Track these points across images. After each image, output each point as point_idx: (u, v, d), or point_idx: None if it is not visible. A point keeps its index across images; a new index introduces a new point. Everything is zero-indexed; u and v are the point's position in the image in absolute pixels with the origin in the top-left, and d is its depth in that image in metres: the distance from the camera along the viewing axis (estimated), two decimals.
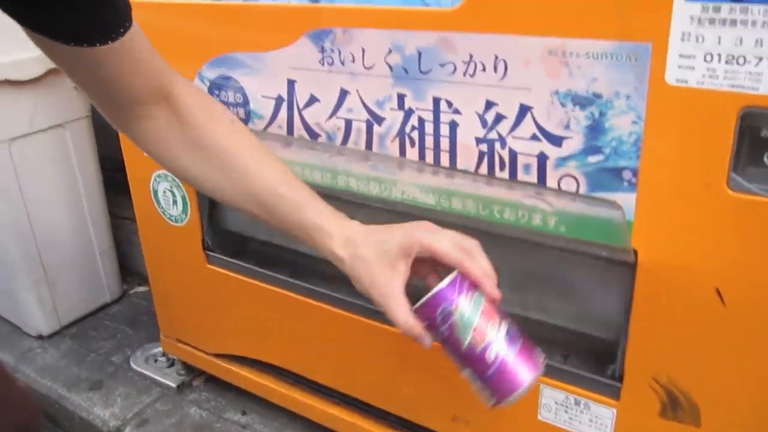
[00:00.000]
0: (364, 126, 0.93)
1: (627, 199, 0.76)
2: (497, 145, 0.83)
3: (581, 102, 0.75)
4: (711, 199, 0.71)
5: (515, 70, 0.78)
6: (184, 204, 1.23)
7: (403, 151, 0.91)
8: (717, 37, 0.66)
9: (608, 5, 0.71)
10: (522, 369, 0.66)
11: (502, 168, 0.84)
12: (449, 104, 0.85)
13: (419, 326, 0.67)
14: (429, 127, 0.87)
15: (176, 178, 1.22)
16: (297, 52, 0.95)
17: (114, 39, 0.60)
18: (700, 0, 0.66)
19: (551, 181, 0.81)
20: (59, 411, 1.44)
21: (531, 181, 0.82)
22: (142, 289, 1.83)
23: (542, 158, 0.80)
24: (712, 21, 0.66)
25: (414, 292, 0.70)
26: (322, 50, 0.92)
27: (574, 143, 0.78)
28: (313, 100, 0.97)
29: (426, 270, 0.71)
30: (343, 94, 0.93)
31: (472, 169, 0.86)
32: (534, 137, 0.80)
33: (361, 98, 0.92)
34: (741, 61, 0.66)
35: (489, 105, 0.82)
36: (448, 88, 0.84)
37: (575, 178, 0.79)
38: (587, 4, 0.72)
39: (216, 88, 1.07)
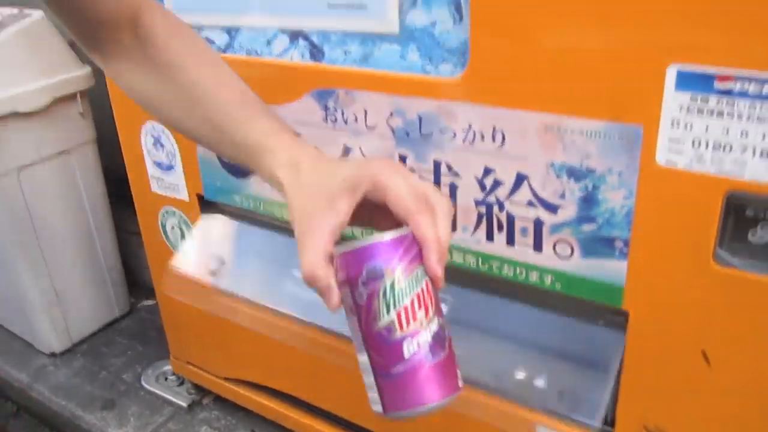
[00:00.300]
0: None
1: (619, 266, 0.79)
2: (495, 208, 0.86)
3: (575, 175, 0.78)
4: (698, 272, 0.74)
5: (512, 141, 0.81)
6: None
7: None
8: (705, 126, 0.69)
9: (602, 87, 0.73)
10: (435, 384, 0.51)
11: (500, 229, 0.87)
12: (449, 168, 0.87)
13: (330, 277, 0.51)
14: None
15: (183, 213, 1.24)
16: (301, 109, 0.97)
17: None
18: (689, 90, 0.68)
19: (547, 245, 0.84)
20: (75, 431, 1.48)
21: (527, 243, 0.85)
22: (149, 302, 1.86)
23: (538, 223, 0.83)
24: (700, 111, 0.68)
25: None
26: (326, 108, 0.95)
27: (568, 212, 0.80)
28: None
29: (392, 225, 0.54)
30: (347, 150, 0.96)
31: (472, 229, 0.89)
32: (530, 203, 0.83)
33: (363, 156, 0.94)
34: (727, 149, 0.68)
35: (487, 171, 0.84)
36: (448, 153, 0.86)
37: (570, 244, 0.82)
38: (582, 85, 0.74)
39: None
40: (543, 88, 0.77)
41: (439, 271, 0.52)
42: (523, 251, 0.86)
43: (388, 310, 0.50)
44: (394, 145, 0.90)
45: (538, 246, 0.84)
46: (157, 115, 0.69)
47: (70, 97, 1.55)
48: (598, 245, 0.80)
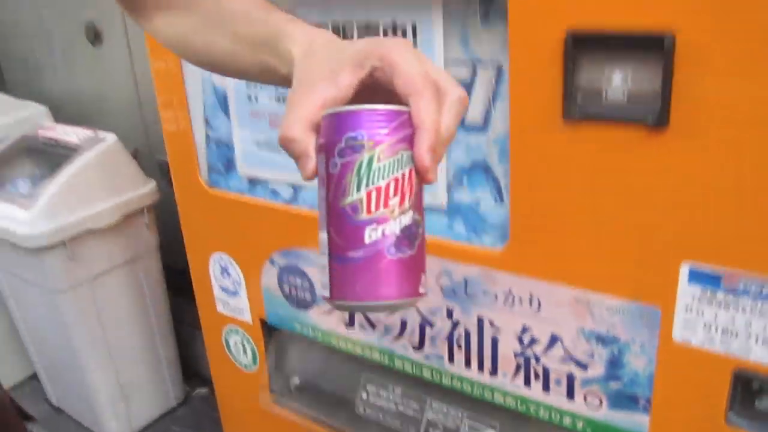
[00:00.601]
0: (417, 326, 1.07)
1: (642, 419, 0.89)
2: (532, 361, 0.97)
3: (603, 340, 0.89)
4: (712, 431, 0.84)
5: (548, 308, 0.92)
6: (254, 355, 1.37)
7: (451, 352, 1.05)
8: (714, 314, 0.80)
9: (626, 272, 0.84)
10: (391, 281, 0.46)
11: (536, 378, 0.97)
12: (491, 323, 0.99)
13: (307, 143, 0.46)
14: (474, 337, 1.01)
15: (246, 332, 1.36)
16: None
17: None
18: (700, 284, 0.79)
19: (578, 395, 0.94)
20: None
21: (561, 392, 0.96)
22: (202, 391, 1.98)
23: (570, 377, 0.94)
24: (710, 302, 0.79)
25: None
26: None
27: (597, 370, 0.91)
28: None
29: None
30: None
31: (511, 375, 1.00)
32: (563, 360, 0.94)
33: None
34: (734, 334, 0.79)
35: (525, 329, 0.96)
36: (491, 311, 0.98)
37: (598, 396, 0.92)
38: (609, 268, 0.85)
39: (286, 272, 1.21)
40: (575, 267, 0.88)
41: (426, 160, 0.45)
42: (557, 398, 0.96)
43: (359, 188, 0.45)
44: (442, 297, 1.02)
45: (570, 395, 0.95)
46: (196, 56, 0.68)
47: (138, 212, 1.69)
48: (624, 400, 0.90)
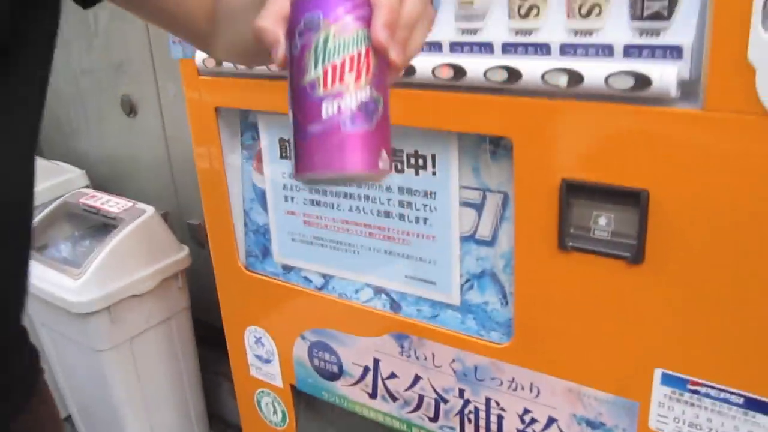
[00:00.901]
0: (433, 402, 1.24)
1: None
2: None
3: (592, 425, 1.06)
4: None
5: (545, 395, 1.09)
6: (284, 415, 1.53)
7: (462, 425, 1.22)
8: (682, 410, 0.97)
9: (611, 371, 1.01)
10: (348, 154, 0.48)
11: None
12: (497, 403, 1.16)
13: (277, 32, 0.48)
14: (482, 414, 1.18)
15: (277, 395, 1.52)
16: (382, 344, 1.26)
17: None
18: (670, 386, 0.96)
19: None
20: None
21: None
22: None
23: None
24: (678, 400, 0.96)
25: None
26: (402, 347, 1.24)
27: None
28: (393, 375, 1.28)
29: None
30: (417, 378, 1.24)
31: None
32: None
33: (431, 384, 1.23)
34: (698, 427, 0.96)
35: (526, 411, 1.13)
36: (497, 394, 1.15)
37: None
38: (597, 366, 1.03)
39: (315, 347, 1.38)
40: (569, 364, 1.05)
41: (382, 36, 0.46)
42: None
43: (316, 65, 0.47)
44: (455, 380, 1.19)
45: None
46: (246, 53, 0.71)
47: (173, 276, 1.85)
48: None
